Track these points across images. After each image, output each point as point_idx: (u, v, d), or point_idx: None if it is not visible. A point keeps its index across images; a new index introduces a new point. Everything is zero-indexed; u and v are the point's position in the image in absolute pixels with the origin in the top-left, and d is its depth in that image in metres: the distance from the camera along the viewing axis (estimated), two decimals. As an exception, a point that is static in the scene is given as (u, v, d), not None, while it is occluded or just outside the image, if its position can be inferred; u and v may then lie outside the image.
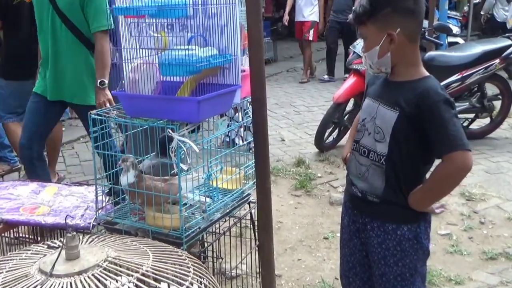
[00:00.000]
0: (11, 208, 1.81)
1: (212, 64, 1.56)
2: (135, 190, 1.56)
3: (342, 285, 1.62)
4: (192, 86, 1.61)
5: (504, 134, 4.25)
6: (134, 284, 1.04)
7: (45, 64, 2.57)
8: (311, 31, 6.57)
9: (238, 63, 1.67)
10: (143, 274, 1.07)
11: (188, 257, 1.20)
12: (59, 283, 1.03)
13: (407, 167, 1.38)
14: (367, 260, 1.49)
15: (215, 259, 2.08)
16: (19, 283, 1.04)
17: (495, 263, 2.40)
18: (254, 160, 1.74)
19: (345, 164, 1.58)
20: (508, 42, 3.91)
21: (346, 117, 4.03)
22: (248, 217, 1.90)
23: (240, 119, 3.35)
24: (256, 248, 1.84)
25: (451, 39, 5.57)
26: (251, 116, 1.73)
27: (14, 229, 1.94)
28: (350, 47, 4.41)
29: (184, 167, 1.55)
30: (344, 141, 4.02)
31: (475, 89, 4.03)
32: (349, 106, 4.08)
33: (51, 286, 1.02)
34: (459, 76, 3.82)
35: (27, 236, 2.00)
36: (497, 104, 4.13)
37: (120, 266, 1.09)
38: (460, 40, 5.89)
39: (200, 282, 1.12)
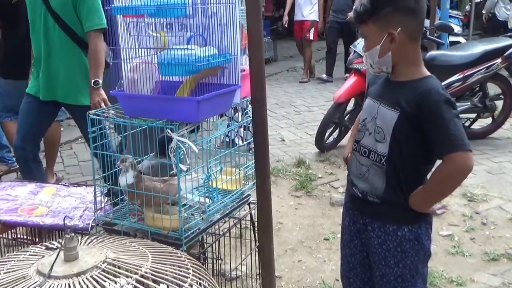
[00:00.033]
0: (9, 209, 1.81)
1: (211, 63, 1.55)
2: (134, 190, 1.56)
3: (342, 286, 1.61)
4: (191, 86, 1.61)
5: (506, 134, 4.24)
6: (133, 285, 1.04)
7: (37, 64, 2.56)
8: (311, 31, 6.57)
9: (238, 63, 1.66)
10: (142, 276, 1.07)
11: (187, 259, 1.20)
12: (57, 285, 1.03)
13: (408, 167, 1.37)
14: (368, 261, 1.49)
15: (214, 260, 2.07)
16: (17, 285, 1.04)
17: (497, 264, 2.39)
18: (254, 160, 1.73)
19: (346, 164, 1.58)
20: (510, 41, 3.89)
21: (347, 117, 4.02)
22: (248, 218, 1.90)
23: (240, 119, 3.34)
24: (256, 249, 1.84)
25: (452, 38, 5.56)
26: (251, 116, 1.72)
27: (12, 230, 1.93)
28: (350, 46, 4.41)
29: (184, 167, 1.54)
30: (344, 141, 4.01)
31: (477, 88, 4.02)
32: (350, 106, 4.07)
33: (49, 287, 1.02)
34: (461, 76, 3.80)
35: (25, 237, 1.99)
36: (499, 104, 4.12)
37: (119, 267, 1.09)
38: (461, 39, 5.88)
39: (200, 284, 1.12)
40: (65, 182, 3.15)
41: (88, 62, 2.48)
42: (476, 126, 4.23)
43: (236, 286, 2.16)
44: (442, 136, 1.27)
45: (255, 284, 2.06)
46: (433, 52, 3.93)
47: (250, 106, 1.72)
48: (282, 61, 8.44)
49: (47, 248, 1.21)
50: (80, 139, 4.33)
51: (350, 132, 3.94)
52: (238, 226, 1.92)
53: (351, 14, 6.10)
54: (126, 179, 1.55)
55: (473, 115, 4.15)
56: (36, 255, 1.18)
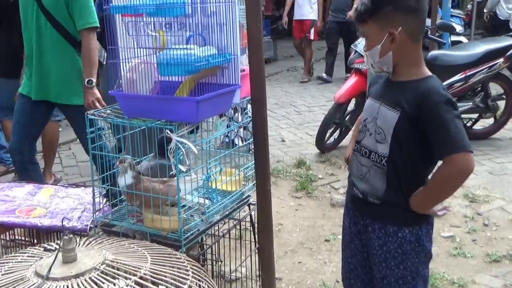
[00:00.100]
0: (7, 210, 1.80)
1: (211, 63, 1.54)
2: (133, 191, 1.55)
3: (343, 287, 1.60)
4: (190, 86, 1.60)
5: (508, 135, 4.22)
6: (132, 287, 1.03)
7: (30, 63, 2.53)
8: (312, 30, 6.56)
9: (238, 63, 1.65)
10: (141, 277, 1.07)
11: (187, 260, 1.20)
12: (56, 287, 1.02)
13: (409, 168, 1.36)
14: (369, 262, 1.48)
15: (214, 262, 2.07)
16: (15, 287, 1.03)
17: (499, 266, 2.37)
18: (254, 161, 1.72)
19: (348, 165, 1.57)
20: (512, 41, 3.87)
21: (348, 117, 4.01)
22: (248, 219, 1.89)
23: (240, 119, 3.33)
24: (256, 251, 1.83)
25: (454, 38, 5.53)
26: (250, 116, 1.71)
27: (10, 232, 1.93)
28: (351, 46, 4.39)
29: (183, 168, 1.53)
30: (345, 141, 4.00)
31: (479, 88, 4.00)
32: (351, 106, 4.06)
33: (47, 289, 1.02)
34: (463, 76, 3.79)
35: (23, 238, 1.98)
36: (501, 104, 4.10)
37: (118, 269, 1.09)
38: (463, 39, 5.86)
39: (199, 285, 1.12)
40: (63, 183, 3.14)
41: (81, 61, 2.46)
42: (478, 126, 4.21)
43: (236, 288, 2.16)
44: (442, 137, 1.27)
45: (255, 286, 2.05)
46: (434, 52, 3.91)
47: (249, 106, 1.71)
48: (282, 61, 8.43)
49: (45, 249, 1.21)
50: (78, 140, 4.32)
51: (351, 132, 3.93)
52: (238, 227, 1.91)
53: (351, 13, 6.10)
54: (125, 180, 1.55)
55: (475, 116, 4.13)
56: (34, 256, 1.18)
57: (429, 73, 1.38)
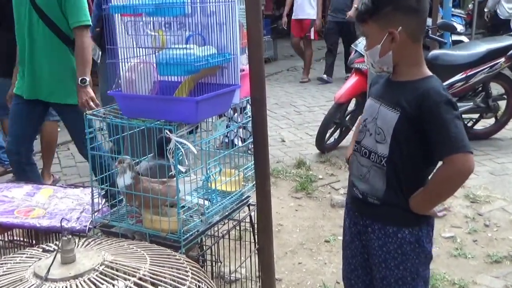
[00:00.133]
0: (5, 211, 1.79)
1: (210, 63, 1.54)
2: (132, 192, 1.54)
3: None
4: (190, 86, 1.59)
5: (509, 135, 4.21)
6: (131, 288, 1.02)
7: (22, 62, 2.51)
8: (312, 30, 6.54)
9: (237, 63, 1.64)
10: (140, 278, 1.07)
11: (186, 261, 1.19)
12: (54, 288, 1.01)
13: (408, 169, 1.36)
14: (369, 263, 1.48)
15: (214, 263, 2.06)
16: (13, 288, 1.03)
17: (500, 267, 2.37)
18: (253, 161, 1.71)
19: (349, 165, 1.56)
20: (514, 40, 3.86)
21: (348, 117, 4.00)
22: (248, 219, 1.89)
23: (240, 120, 3.32)
24: (256, 252, 1.82)
25: (455, 37, 5.52)
26: (250, 115, 1.70)
27: (9, 232, 1.93)
28: (352, 45, 4.38)
29: (182, 168, 1.52)
30: (345, 142, 3.99)
31: (480, 88, 3.99)
32: (351, 106, 4.05)
33: (46, 290, 1.02)
34: (464, 75, 3.77)
35: (21, 239, 1.98)
36: (502, 104, 4.08)
37: (117, 270, 1.09)
38: (464, 38, 5.85)
39: (198, 287, 1.12)
40: (62, 183, 3.12)
41: (74, 60, 2.43)
42: (479, 126, 4.20)
43: (236, 289, 2.15)
44: (442, 137, 1.26)
45: (254, 287, 2.05)
46: (435, 52, 3.90)
47: (248, 105, 1.70)
48: (282, 61, 8.41)
49: (44, 250, 1.20)
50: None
51: (351, 132, 3.93)
52: (238, 228, 1.90)
53: (350, 13, 6.08)
54: (124, 180, 1.54)
55: (476, 116, 4.12)
56: (33, 257, 1.18)
57: (430, 73, 1.37)
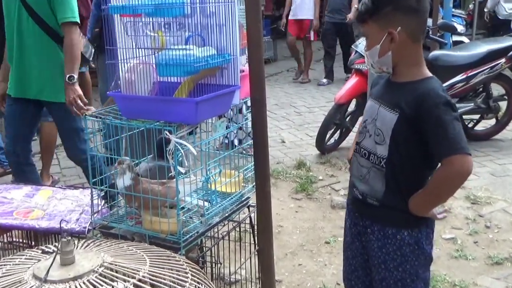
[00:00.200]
0: (4, 212, 1.79)
1: (210, 64, 1.54)
2: (132, 193, 1.54)
3: (344, 288, 1.59)
4: (190, 86, 1.59)
5: (510, 136, 4.20)
6: (130, 290, 1.02)
7: (10, 58, 2.49)
8: (311, 31, 6.53)
9: (237, 63, 1.64)
10: (139, 280, 1.06)
11: (186, 262, 1.19)
12: (54, 289, 1.02)
13: (408, 170, 1.35)
14: (369, 264, 1.47)
15: (213, 264, 2.05)
16: (13, 289, 1.03)
17: (501, 268, 2.36)
18: (253, 162, 1.71)
19: (350, 166, 1.56)
20: (514, 41, 3.85)
21: (348, 118, 3.99)
22: (248, 221, 1.88)
23: (240, 120, 3.31)
24: (256, 253, 1.82)
25: (455, 38, 5.51)
26: (248, 116, 1.70)
27: (8, 234, 1.92)
28: (352, 46, 4.37)
29: (182, 170, 1.52)
30: (346, 142, 3.98)
31: (480, 89, 3.98)
32: (351, 107, 4.04)
33: (45, 292, 1.01)
34: (464, 76, 3.77)
35: (21, 240, 1.97)
36: (503, 104, 4.08)
37: (116, 271, 1.09)
38: (465, 39, 5.84)
39: None
40: (61, 185, 3.11)
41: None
42: (480, 127, 4.19)
43: (236, 290, 2.14)
44: (440, 139, 1.26)
45: (254, 288, 2.04)
46: (435, 52, 3.89)
47: (245, 106, 1.70)
48: (282, 61, 8.40)
49: (43, 251, 1.20)
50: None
51: (352, 133, 3.92)
52: (238, 229, 1.90)
53: (350, 16, 6.06)
54: (123, 181, 1.53)
55: (477, 116, 4.11)
56: (32, 259, 1.17)
57: (429, 74, 1.37)
